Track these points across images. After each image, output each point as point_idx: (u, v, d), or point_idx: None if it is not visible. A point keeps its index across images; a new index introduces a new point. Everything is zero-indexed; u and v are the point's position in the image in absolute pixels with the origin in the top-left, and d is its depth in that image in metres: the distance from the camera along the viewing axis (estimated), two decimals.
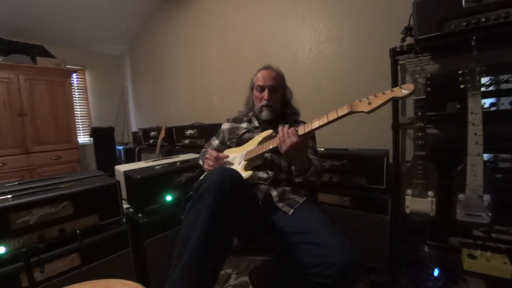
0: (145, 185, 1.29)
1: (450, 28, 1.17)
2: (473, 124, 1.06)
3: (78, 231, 1.05)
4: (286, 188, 0.99)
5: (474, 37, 1.08)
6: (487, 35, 1.11)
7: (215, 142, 1.30)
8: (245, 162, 0.96)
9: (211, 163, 1.04)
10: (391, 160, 1.41)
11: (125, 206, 1.36)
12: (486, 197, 1.06)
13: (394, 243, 1.35)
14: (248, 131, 1.17)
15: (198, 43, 2.80)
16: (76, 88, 3.56)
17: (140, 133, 3.11)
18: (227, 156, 1.06)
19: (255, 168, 0.98)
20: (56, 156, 2.77)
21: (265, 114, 1.15)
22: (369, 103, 0.71)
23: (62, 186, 1.12)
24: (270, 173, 1.00)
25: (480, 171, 1.06)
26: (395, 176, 1.36)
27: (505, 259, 1.06)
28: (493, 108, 1.14)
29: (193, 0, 2.77)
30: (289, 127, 1.01)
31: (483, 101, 1.12)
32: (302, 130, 0.84)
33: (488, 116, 1.06)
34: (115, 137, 3.41)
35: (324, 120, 0.79)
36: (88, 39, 3.47)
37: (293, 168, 0.97)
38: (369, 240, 1.33)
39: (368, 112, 0.71)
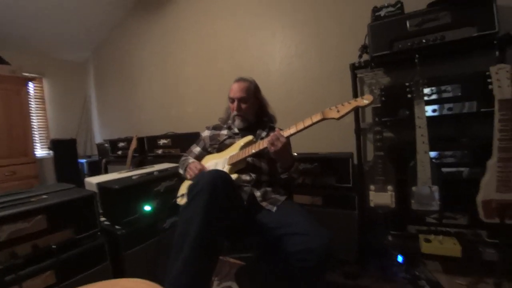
0: (123, 196, 1.27)
1: (397, 47, 1.39)
2: (419, 127, 1.26)
3: (54, 247, 1.00)
4: (268, 188, 1.08)
5: (417, 55, 1.29)
6: (428, 53, 1.33)
7: (196, 149, 1.34)
8: (229, 166, 1.03)
9: (193, 174, 1.09)
10: (355, 161, 1.57)
11: (101, 218, 1.32)
12: (435, 188, 1.25)
13: (362, 235, 1.49)
14: (229, 137, 1.24)
15: (171, 51, 2.80)
16: (32, 97, 3.28)
17: (107, 145, 2.96)
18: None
19: (238, 172, 1.04)
20: (10, 172, 2.51)
21: (237, 123, 1.25)
22: (338, 111, 0.83)
23: (32, 200, 1.06)
24: (253, 175, 1.08)
25: (428, 166, 1.25)
26: (360, 174, 1.52)
27: (455, 241, 1.25)
28: (435, 114, 1.36)
29: (166, 9, 2.78)
30: (267, 134, 1.11)
31: (427, 107, 1.33)
32: (287, 133, 0.95)
33: (431, 120, 1.27)
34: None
35: (300, 126, 0.91)
36: (48, 45, 3.23)
37: (278, 165, 1.06)
38: (341, 235, 1.45)
39: (338, 119, 0.84)
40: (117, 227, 1.26)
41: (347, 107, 0.83)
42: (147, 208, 1.35)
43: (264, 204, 1.00)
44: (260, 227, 0.93)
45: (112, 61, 3.47)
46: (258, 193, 1.03)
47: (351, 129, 1.72)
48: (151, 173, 1.49)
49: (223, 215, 0.76)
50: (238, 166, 1.04)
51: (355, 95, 1.57)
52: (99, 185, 1.34)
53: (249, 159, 1.10)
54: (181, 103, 2.75)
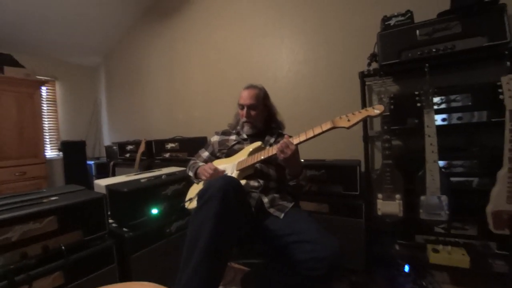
0: (131, 199, 1.29)
1: (407, 56, 1.39)
2: (429, 136, 1.25)
3: (63, 248, 1.01)
4: (276, 195, 1.08)
5: (427, 64, 1.29)
6: (437, 63, 1.33)
7: (205, 153, 1.36)
8: (238, 171, 1.04)
9: (208, 175, 1.10)
10: (363, 169, 1.56)
11: (109, 220, 1.33)
12: (443, 198, 1.24)
13: (369, 244, 1.47)
14: (238, 142, 1.25)
15: (179, 58, 2.84)
16: (45, 99, 3.37)
17: (115, 147, 3.01)
18: (224, 171, 1.13)
19: (246, 178, 1.05)
20: (20, 172, 2.57)
21: (246, 129, 1.26)
22: (348, 120, 0.84)
23: (44, 201, 1.09)
24: (261, 181, 1.09)
25: (437, 176, 1.24)
26: (367, 182, 1.51)
27: (463, 251, 1.23)
28: (444, 123, 1.35)
29: (175, 17, 2.84)
30: (275, 140, 1.11)
31: (436, 117, 1.32)
32: (296, 140, 0.95)
33: (440, 129, 1.26)
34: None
35: (310, 134, 0.91)
36: (61, 50, 3.34)
37: (287, 172, 1.06)
38: (347, 243, 1.44)
39: (348, 128, 0.84)
40: (124, 229, 1.28)
41: (358, 116, 0.83)
42: (155, 211, 1.36)
43: (271, 210, 1.00)
44: (267, 234, 0.93)
45: (122, 66, 3.55)
46: (266, 200, 1.04)
47: (358, 137, 1.71)
48: (159, 176, 1.51)
49: (234, 222, 0.76)
50: (247, 172, 1.05)
51: (363, 103, 1.57)
52: (108, 187, 1.36)
53: (257, 165, 1.10)
54: (188, 108, 2.79)
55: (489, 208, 1.18)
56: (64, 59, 3.55)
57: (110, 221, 1.35)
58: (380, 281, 1.41)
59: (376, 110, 0.81)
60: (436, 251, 1.28)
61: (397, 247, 1.45)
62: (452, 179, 1.31)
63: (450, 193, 1.24)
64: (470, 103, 1.30)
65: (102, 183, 1.49)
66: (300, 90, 2.02)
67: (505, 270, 1.22)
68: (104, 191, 1.41)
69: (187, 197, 1.16)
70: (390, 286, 1.36)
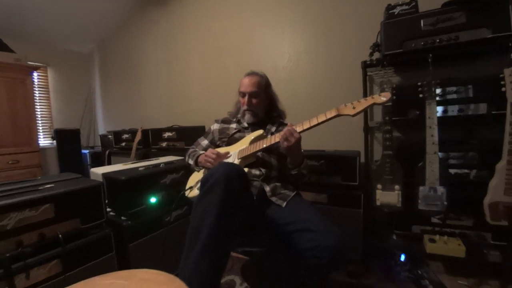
0: (129, 187, 1.27)
1: (410, 46, 1.37)
2: (430, 127, 1.25)
3: (60, 236, 1.00)
4: (277, 183, 1.07)
5: (430, 55, 1.28)
6: (441, 54, 1.32)
7: (204, 142, 1.34)
8: (239, 160, 1.02)
9: (212, 160, 1.08)
10: (362, 159, 1.56)
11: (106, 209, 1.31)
12: (442, 189, 1.25)
13: (367, 234, 1.49)
14: (239, 131, 1.23)
15: (177, 47, 2.78)
16: (36, 86, 3.27)
17: (110, 136, 2.96)
18: (228, 153, 1.11)
19: (247, 166, 1.04)
20: (13, 160, 2.51)
21: (247, 118, 1.23)
22: (354, 107, 0.82)
23: (40, 188, 1.06)
24: (263, 170, 1.08)
25: (437, 167, 1.25)
26: (366, 173, 1.52)
27: (459, 242, 1.25)
28: (445, 115, 1.35)
29: (173, 5, 2.76)
30: (276, 129, 1.10)
31: (437, 108, 1.32)
32: (300, 128, 0.94)
33: (440, 121, 1.25)
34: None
35: (314, 121, 0.89)
36: (54, 35, 3.22)
37: (288, 161, 1.05)
38: (345, 234, 1.44)
39: (353, 115, 0.83)
40: (122, 218, 1.26)
41: (363, 104, 0.82)
42: (153, 200, 1.35)
43: (274, 199, 1.00)
44: (269, 222, 0.92)
45: (117, 54, 3.46)
46: (267, 188, 1.03)
47: (357, 128, 1.71)
48: (158, 165, 1.49)
49: (237, 209, 0.75)
50: (248, 160, 1.04)
51: (365, 93, 1.56)
52: (106, 175, 1.34)
53: (259, 153, 1.09)
54: (187, 98, 2.74)
55: (487, 200, 1.19)
56: (56, 44, 3.44)
57: (108, 209, 1.33)
58: (377, 270, 1.43)
59: (383, 97, 0.79)
60: (432, 241, 1.30)
61: (394, 237, 1.47)
62: (450, 170, 1.33)
63: (448, 184, 1.25)
64: (471, 95, 1.30)
65: (98, 171, 1.47)
66: (301, 80, 1.99)
67: (500, 260, 1.25)
68: (100, 179, 1.38)
69: (188, 185, 1.15)
70: (386, 275, 1.39)
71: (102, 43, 3.64)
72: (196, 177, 1.18)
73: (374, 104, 0.81)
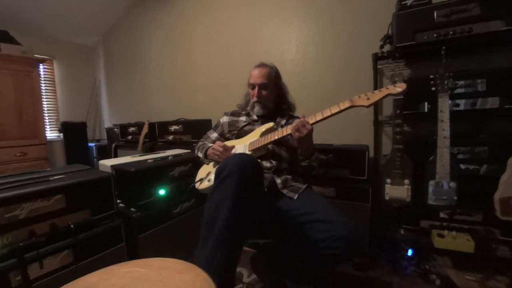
0: (139, 179, 1.27)
1: (422, 38, 1.34)
2: (442, 121, 1.23)
3: (72, 226, 1.01)
4: (288, 176, 1.07)
5: (443, 47, 1.25)
6: (453, 46, 1.29)
7: (213, 135, 1.33)
8: (249, 152, 1.02)
9: (219, 153, 1.07)
10: (371, 153, 1.55)
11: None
12: (452, 184, 1.23)
13: (374, 228, 1.49)
14: (248, 123, 1.22)
15: (182, 39, 2.75)
16: (42, 79, 3.27)
17: (116, 129, 2.97)
18: (234, 147, 1.11)
19: (258, 158, 1.03)
20: (21, 153, 2.53)
21: (256, 110, 1.22)
22: (368, 98, 0.81)
23: (51, 179, 1.07)
24: (274, 162, 1.07)
25: (447, 161, 1.23)
26: (375, 167, 1.51)
27: (468, 237, 1.24)
28: (457, 108, 1.33)
29: None
30: (286, 122, 1.09)
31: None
32: (312, 119, 0.93)
33: (452, 115, 1.23)
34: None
35: (327, 113, 0.88)
36: (59, 28, 3.20)
37: (299, 152, 1.05)
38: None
39: (368, 106, 0.81)
40: (132, 209, 1.27)
41: (378, 95, 0.80)
42: (162, 192, 1.35)
43: (285, 191, 0.99)
44: (280, 215, 0.92)
45: (122, 46, 3.44)
46: (278, 180, 1.02)
47: (366, 122, 1.70)
48: (166, 157, 1.49)
49: (251, 200, 0.76)
50: (259, 152, 1.03)
51: (375, 86, 1.54)
52: (115, 167, 1.34)
53: (269, 146, 1.09)
54: (192, 91, 2.73)
55: (497, 195, 1.18)
56: (61, 37, 3.42)
57: (117, 201, 1.34)
58: (384, 264, 1.44)
59: (398, 88, 0.78)
60: (441, 236, 1.29)
61: (402, 231, 1.47)
62: (460, 165, 1.31)
63: (458, 179, 1.24)
64: (485, 89, 1.28)
65: (107, 163, 1.47)
66: (308, 72, 1.97)
67: (509, 255, 1.24)
68: (109, 171, 1.39)
69: (197, 178, 1.15)
70: (393, 269, 1.39)
71: (107, 35, 3.62)
72: (206, 170, 1.18)
73: (388, 95, 0.80)
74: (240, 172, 0.73)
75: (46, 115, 3.31)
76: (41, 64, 3.07)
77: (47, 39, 3.31)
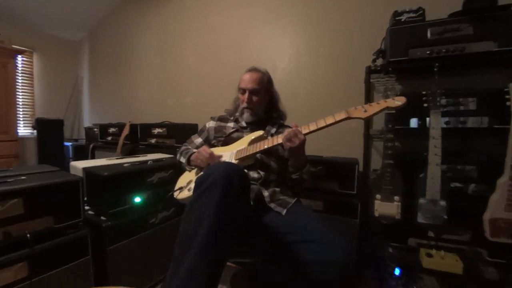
0: (112, 184, 1.16)
1: (415, 54, 1.34)
2: (433, 138, 1.21)
3: (28, 235, 0.88)
4: (276, 189, 0.99)
5: (436, 64, 1.25)
6: (446, 64, 1.29)
7: (198, 140, 1.25)
8: (236, 161, 0.94)
9: (204, 158, 0.99)
10: (361, 167, 1.51)
11: (85, 207, 1.20)
12: (443, 202, 1.21)
13: (361, 245, 1.43)
14: (237, 130, 1.15)
15: (173, 39, 2.67)
16: (20, 72, 3.07)
17: (96, 129, 2.81)
18: (221, 156, 1.03)
19: (245, 168, 0.95)
20: None
21: (245, 116, 1.15)
22: (365, 111, 0.76)
23: (9, 180, 0.94)
24: (261, 173, 1.00)
25: (438, 179, 1.21)
26: (364, 182, 1.47)
27: (456, 257, 1.21)
28: (446, 126, 1.32)
29: None
30: (276, 131, 1.03)
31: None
32: (305, 129, 0.87)
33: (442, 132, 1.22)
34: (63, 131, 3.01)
35: (321, 123, 0.82)
36: (42, 19, 3.03)
37: (290, 164, 0.98)
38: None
39: (364, 119, 0.77)
40: (102, 218, 1.15)
41: (375, 108, 0.76)
42: (137, 199, 1.24)
43: (272, 205, 0.92)
44: (267, 230, 0.84)
45: (109, 43, 3.31)
46: (266, 193, 0.95)
47: (356, 135, 1.67)
48: (145, 162, 1.38)
49: (236, 214, 0.67)
50: (246, 162, 0.96)
51: (368, 99, 1.52)
52: (86, 170, 1.22)
53: (258, 155, 1.01)
54: (179, 92, 2.64)
55: (487, 215, 1.16)
56: (44, 29, 3.24)
57: (87, 207, 1.21)
58: (370, 282, 1.38)
59: (397, 102, 0.74)
60: (429, 255, 1.25)
61: (389, 249, 1.42)
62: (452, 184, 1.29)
63: (448, 197, 1.21)
64: (475, 108, 1.28)
65: (79, 165, 1.35)
66: (300, 82, 1.94)
67: (497, 277, 1.21)
68: (81, 174, 1.27)
69: (177, 186, 1.05)
70: (379, 287, 1.33)
71: (93, 30, 3.48)
72: (187, 177, 1.09)
73: (387, 108, 0.75)
74: (224, 183, 0.64)
75: (21, 109, 3.10)
76: (19, 56, 2.90)
77: (29, 30, 3.13)
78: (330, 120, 0.82)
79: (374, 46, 1.54)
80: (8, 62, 2.48)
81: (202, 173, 0.71)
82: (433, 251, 1.28)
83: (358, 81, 1.65)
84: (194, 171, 1.09)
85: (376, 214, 1.30)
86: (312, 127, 0.85)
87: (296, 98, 1.94)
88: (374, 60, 1.53)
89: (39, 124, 2.76)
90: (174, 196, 1.00)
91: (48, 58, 3.34)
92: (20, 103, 3.08)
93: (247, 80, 1.12)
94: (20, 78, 3.08)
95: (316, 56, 1.89)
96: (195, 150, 1.10)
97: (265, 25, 2.10)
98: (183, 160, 1.15)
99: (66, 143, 3.07)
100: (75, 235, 1.02)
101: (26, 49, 3.10)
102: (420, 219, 1.24)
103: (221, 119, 1.25)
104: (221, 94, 2.28)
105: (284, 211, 0.88)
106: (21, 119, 3.12)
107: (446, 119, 1.32)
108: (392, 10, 1.43)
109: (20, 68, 3.07)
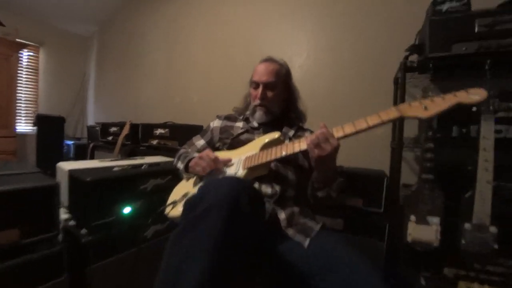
0: (97, 191, 0.98)
1: (461, 50, 1.13)
2: (484, 149, 0.99)
3: None
4: (295, 208, 0.78)
5: (488, 61, 1.04)
6: (497, 61, 1.08)
7: (200, 141, 1.05)
8: (245, 171, 0.74)
9: (205, 165, 0.80)
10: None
11: (64, 216, 1.03)
12: (493, 229, 0.98)
13: (388, 272, 1.21)
14: (246, 131, 0.95)
15: (182, 34, 2.55)
16: (24, 66, 2.99)
17: (98, 128, 2.67)
18: (230, 160, 0.83)
19: (256, 180, 0.76)
20: None
21: (258, 115, 0.96)
22: (425, 108, 0.56)
23: None
24: (277, 187, 0.79)
25: (489, 200, 0.98)
26: (394, 199, 1.25)
27: None
28: (498, 136, 1.10)
29: None
30: (295, 134, 0.83)
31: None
32: (340, 132, 0.66)
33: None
34: (65, 129, 2.88)
35: (363, 125, 0.61)
36: (51, 12, 2.95)
37: (315, 177, 0.77)
38: None
39: (426, 118, 0.56)
40: (83, 231, 0.97)
41: (441, 104, 0.55)
42: (127, 210, 1.06)
43: (290, 232, 0.71)
44: (282, 264, 0.64)
45: (118, 39, 3.22)
46: (283, 215, 0.74)
47: (381, 144, 1.47)
48: (138, 166, 1.21)
49: (243, 248, 0.47)
50: (258, 172, 0.75)
51: (396, 100, 1.31)
52: (70, 173, 1.06)
53: (272, 164, 0.82)
54: (187, 90, 2.50)
55: None
56: (52, 23, 3.17)
57: (66, 216, 1.04)
58: None
59: (474, 96, 0.54)
60: None
61: (422, 280, 1.19)
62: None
63: (499, 222, 0.99)
64: None
65: (66, 167, 1.18)
66: (319, 81, 1.76)
67: None
68: (66, 177, 1.10)
69: (170, 200, 0.87)
70: None
71: (103, 27, 3.40)
72: (183, 189, 0.89)
73: (458, 104, 0.55)
74: (229, 207, 0.45)
75: (23, 105, 3.02)
76: (25, 50, 2.82)
77: (36, 23, 3.05)
78: (373, 121, 0.61)
79: (405, 41, 1.34)
80: (11, 55, 2.39)
81: (195, 192, 0.51)
82: (475, 285, 1.06)
83: (384, 80, 1.46)
84: (192, 180, 0.90)
85: (409, 239, 1.08)
86: (349, 129, 0.64)
87: (314, 98, 1.74)
88: (406, 57, 1.32)
89: (40, 120, 2.64)
90: (165, 213, 0.81)
91: (55, 53, 3.27)
92: (23, 99, 3.00)
93: (262, 71, 0.93)
94: (24, 73, 3.01)
95: (338, 52, 1.71)
96: (195, 155, 0.90)
97: (281, 18, 1.94)
98: (180, 166, 0.96)
99: (68, 142, 2.95)
100: (47, 252, 0.84)
101: (32, 43, 3.03)
102: (465, 247, 1.02)
103: (228, 117, 1.06)
104: (230, 92, 2.12)
105: (307, 242, 0.67)
106: (24, 115, 3.03)
107: (497, 127, 1.10)
108: (428, 0, 1.24)
109: (25, 63, 3.00)
